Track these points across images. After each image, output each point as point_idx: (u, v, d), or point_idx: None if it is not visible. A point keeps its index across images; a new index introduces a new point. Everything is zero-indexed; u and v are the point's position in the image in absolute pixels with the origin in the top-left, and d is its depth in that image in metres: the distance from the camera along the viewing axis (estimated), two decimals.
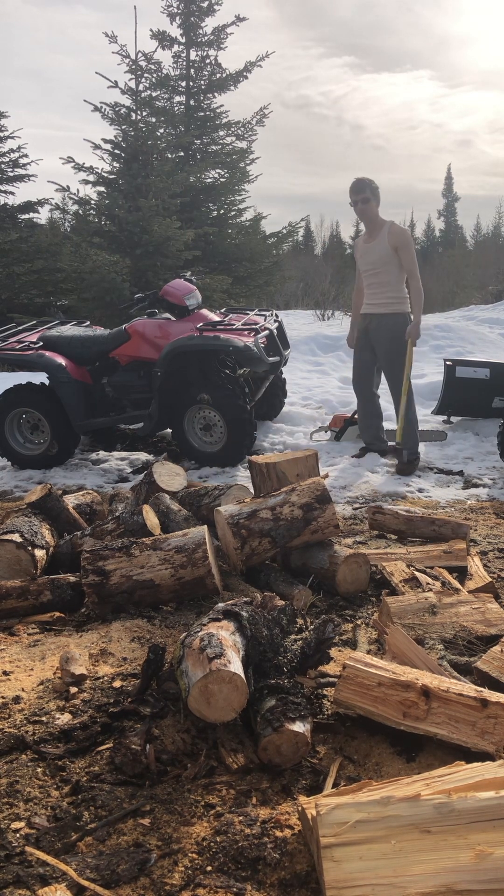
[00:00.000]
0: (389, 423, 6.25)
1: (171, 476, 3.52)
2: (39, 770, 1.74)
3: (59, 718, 1.91)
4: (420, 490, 4.62)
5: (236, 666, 1.80)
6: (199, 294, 5.38)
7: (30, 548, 2.90)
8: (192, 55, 13.68)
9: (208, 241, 12.43)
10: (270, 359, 5.16)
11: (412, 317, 4.86)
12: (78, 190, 12.90)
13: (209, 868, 1.46)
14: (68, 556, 3.10)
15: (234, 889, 1.41)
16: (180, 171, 11.87)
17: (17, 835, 1.54)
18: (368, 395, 5.24)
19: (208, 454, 5.06)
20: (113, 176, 11.46)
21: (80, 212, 12.16)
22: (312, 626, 2.18)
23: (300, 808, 1.53)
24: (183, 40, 13.54)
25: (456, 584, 2.84)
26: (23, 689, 2.08)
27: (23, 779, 1.70)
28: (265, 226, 14.70)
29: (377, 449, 5.26)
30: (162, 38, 13.38)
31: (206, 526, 2.86)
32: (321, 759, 1.84)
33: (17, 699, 2.02)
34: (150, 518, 3.13)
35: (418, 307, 4.89)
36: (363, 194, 4.76)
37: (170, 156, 12.75)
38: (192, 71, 13.70)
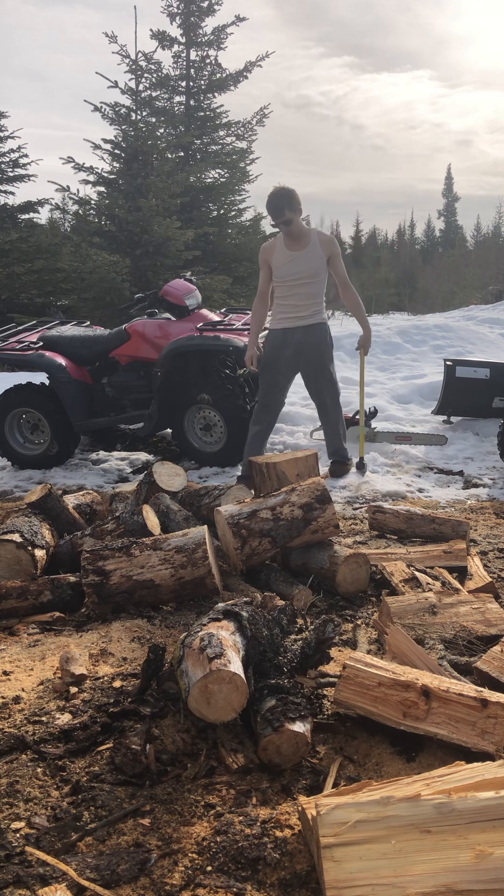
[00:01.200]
0: (387, 424, 6.25)
1: (171, 476, 3.52)
2: (39, 770, 1.74)
3: (59, 718, 1.91)
4: (420, 490, 4.62)
5: (236, 666, 1.80)
6: (199, 294, 5.38)
7: (30, 548, 2.90)
8: (192, 55, 13.70)
9: (208, 241, 12.44)
10: None
11: (361, 327, 4.58)
12: (78, 190, 12.94)
13: (209, 868, 1.46)
14: (68, 556, 3.10)
15: (234, 889, 1.41)
16: (180, 171, 11.89)
17: (17, 835, 1.54)
18: (276, 416, 4.69)
19: (208, 454, 5.06)
20: (113, 176, 11.47)
21: (80, 212, 12.19)
22: (312, 626, 2.18)
23: (300, 808, 1.53)
24: (183, 40, 13.55)
25: (456, 584, 2.84)
26: (23, 689, 2.08)
27: (23, 779, 1.70)
28: (265, 226, 14.71)
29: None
30: (162, 38, 13.39)
31: (206, 526, 2.86)
32: (321, 759, 1.84)
33: (17, 699, 2.02)
34: (150, 518, 3.13)
35: (364, 317, 4.59)
36: (283, 217, 4.23)
37: (170, 156, 12.76)
38: (192, 71, 13.71)
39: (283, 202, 4.22)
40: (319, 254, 4.36)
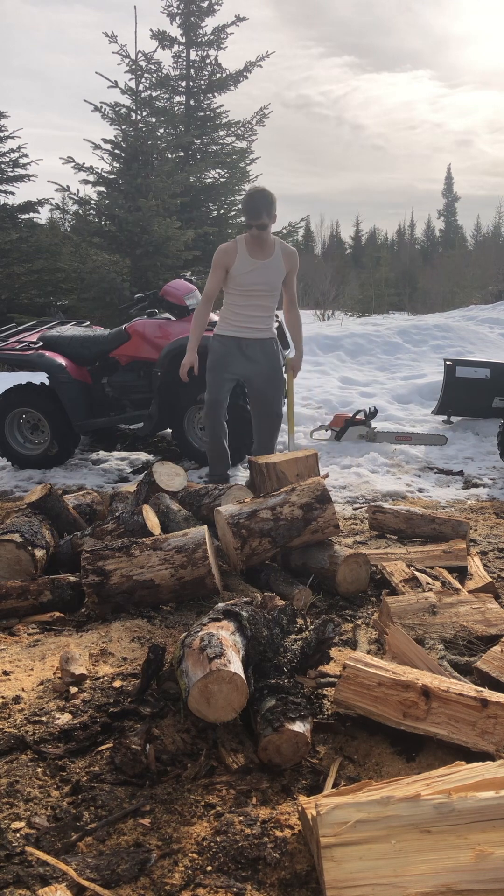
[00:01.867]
0: (387, 424, 6.25)
1: (170, 476, 3.52)
2: (39, 770, 1.74)
3: (59, 718, 1.91)
4: (420, 490, 4.62)
5: (236, 666, 1.80)
6: (199, 294, 5.38)
7: (30, 548, 2.90)
8: (192, 55, 13.70)
9: (208, 241, 12.42)
10: None
11: (293, 347, 4.32)
12: (78, 190, 12.92)
13: (209, 868, 1.46)
14: (68, 556, 3.10)
15: (234, 889, 1.41)
16: (180, 171, 11.88)
17: (17, 835, 1.54)
18: (224, 413, 4.38)
19: None
20: (113, 176, 11.47)
21: (80, 212, 12.18)
22: (312, 626, 2.18)
23: (300, 808, 1.53)
24: (183, 40, 13.54)
25: (456, 584, 2.84)
26: (23, 689, 2.08)
27: (23, 779, 1.70)
28: None
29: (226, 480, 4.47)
30: (162, 38, 13.39)
31: (206, 526, 2.86)
32: (321, 759, 1.84)
33: (17, 699, 2.02)
34: (150, 518, 3.13)
35: (301, 339, 4.36)
36: (259, 220, 3.92)
37: (170, 156, 12.76)
38: (192, 71, 13.70)
39: (263, 205, 3.91)
40: (281, 267, 4.11)
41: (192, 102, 13.79)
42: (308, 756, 1.83)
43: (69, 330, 5.58)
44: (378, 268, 29.76)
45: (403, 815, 1.36)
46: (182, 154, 13.44)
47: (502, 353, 9.23)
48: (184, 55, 13.68)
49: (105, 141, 11.26)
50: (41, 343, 5.27)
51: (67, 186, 11.10)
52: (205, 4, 13.31)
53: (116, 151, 11.34)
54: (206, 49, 13.63)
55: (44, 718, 1.92)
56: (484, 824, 1.34)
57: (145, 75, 12.50)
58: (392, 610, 2.49)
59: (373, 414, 5.73)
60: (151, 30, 13.40)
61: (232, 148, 13.85)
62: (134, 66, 11.20)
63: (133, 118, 11.38)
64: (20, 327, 5.83)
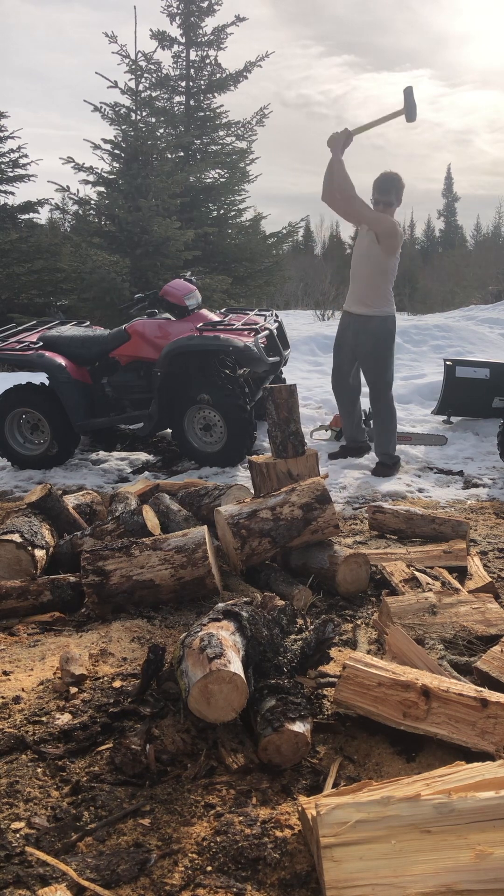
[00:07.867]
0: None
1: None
2: (39, 770, 1.74)
3: (59, 718, 1.91)
4: (420, 490, 4.62)
5: (236, 666, 1.80)
6: (199, 294, 5.38)
7: (30, 548, 2.90)
8: (192, 55, 13.67)
9: (208, 241, 12.42)
10: (270, 359, 5.15)
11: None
12: (78, 190, 12.90)
13: (209, 868, 1.46)
14: (68, 556, 3.10)
15: (234, 889, 1.41)
16: (180, 171, 11.86)
17: (17, 835, 1.54)
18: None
19: (208, 454, 5.06)
20: (113, 176, 11.46)
21: (80, 212, 12.16)
22: (312, 626, 2.18)
23: (300, 808, 1.53)
24: (183, 40, 13.53)
25: (456, 584, 2.84)
26: (23, 689, 2.08)
27: (23, 779, 1.70)
28: (265, 226, 14.71)
29: (357, 446, 5.14)
30: (162, 38, 13.37)
31: (206, 526, 2.86)
32: (321, 759, 1.84)
33: (17, 699, 2.02)
34: (150, 518, 3.13)
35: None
36: (388, 196, 4.28)
37: (170, 156, 12.74)
38: (192, 71, 13.69)
39: (391, 185, 4.35)
40: (373, 231, 4.35)
41: (192, 102, 13.78)
42: (308, 756, 1.83)
43: (69, 330, 5.58)
44: None
45: (403, 815, 1.36)
46: (182, 154, 13.42)
47: (502, 353, 9.23)
48: (184, 55, 13.66)
49: (105, 141, 11.25)
50: (41, 343, 5.27)
51: (67, 186, 11.10)
52: (205, 4, 13.29)
53: (116, 151, 11.33)
54: (206, 49, 13.61)
55: (44, 718, 1.92)
56: (484, 824, 1.34)
57: (145, 75, 12.49)
58: (392, 610, 2.49)
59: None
60: (151, 30, 13.38)
61: (232, 148, 13.83)
62: (134, 66, 11.19)
63: (133, 118, 11.38)
64: (20, 327, 5.83)
